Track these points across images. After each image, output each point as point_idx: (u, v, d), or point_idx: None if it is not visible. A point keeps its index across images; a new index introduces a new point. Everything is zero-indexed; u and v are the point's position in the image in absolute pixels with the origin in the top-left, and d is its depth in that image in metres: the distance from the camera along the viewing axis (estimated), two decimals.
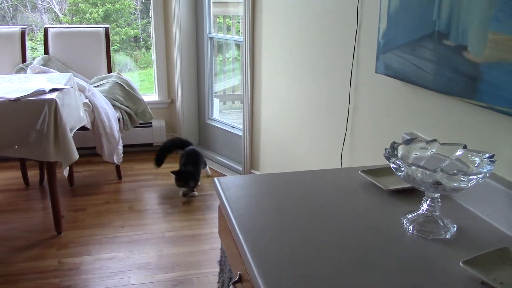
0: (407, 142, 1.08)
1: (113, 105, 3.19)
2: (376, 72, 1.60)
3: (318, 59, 2.24)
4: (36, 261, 2.33)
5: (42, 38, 3.49)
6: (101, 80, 3.38)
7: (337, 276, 0.87)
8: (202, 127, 3.88)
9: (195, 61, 3.76)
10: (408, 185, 1.08)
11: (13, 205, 2.94)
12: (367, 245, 0.98)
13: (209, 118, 3.82)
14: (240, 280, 1.08)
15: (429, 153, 1.07)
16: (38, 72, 3.03)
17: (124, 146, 3.28)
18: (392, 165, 1.01)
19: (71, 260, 2.34)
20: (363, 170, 1.33)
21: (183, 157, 3.17)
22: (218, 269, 1.43)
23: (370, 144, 1.85)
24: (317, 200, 1.20)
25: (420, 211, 1.05)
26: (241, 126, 3.27)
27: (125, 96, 3.33)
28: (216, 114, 3.86)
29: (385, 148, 1.04)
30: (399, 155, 1.04)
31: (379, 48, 1.57)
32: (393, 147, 1.05)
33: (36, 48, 4.63)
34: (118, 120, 3.18)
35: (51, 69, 3.13)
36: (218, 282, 1.48)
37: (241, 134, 3.25)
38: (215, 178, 1.31)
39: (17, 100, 2.29)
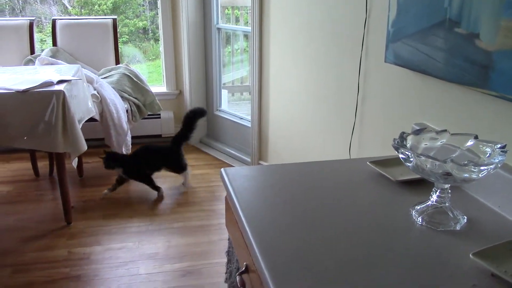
0: (417, 132, 1.07)
1: (122, 97, 3.20)
2: (385, 61, 1.57)
3: (326, 49, 2.21)
4: (46, 251, 2.35)
5: (51, 30, 3.49)
6: (109, 71, 3.39)
7: (344, 269, 0.86)
8: (210, 118, 3.87)
9: (203, 52, 3.74)
10: (417, 176, 1.07)
11: (23, 195, 2.97)
12: (375, 237, 0.97)
13: (217, 110, 3.81)
14: (247, 270, 1.07)
15: (439, 143, 1.05)
16: (47, 64, 3.04)
17: (132, 137, 3.29)
18: (401, 156, 0.99)
19: (81, 250, 2.36)
20: (371, 161, 1.31)
21: (145, 150, 2.99)
22: (226, 260, 1.43)
23: (379, 134, 1.83)
24: (325, 192, 1.19)
25: (430, 202, 1.03)
26: (249, 117, 3.26)
27: (133, 87, 3.33)
28: (224, 105, 3.85)
29: (394, 139, 1.02)
30: (408, 145, 1.03)
31: (389, 37, 1.54)
32: (402, 137, 1.03)
33: (45, 40, 4.64)
34: (127, 111, 3.19)
35: (59, 61, 3.14)
36: (226, 273, 1.48)
37: (250, 125, 3.24)
38: (222, 169, 1.30)
39: (25, 91, 2.30)
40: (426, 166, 0.93)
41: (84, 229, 2.55)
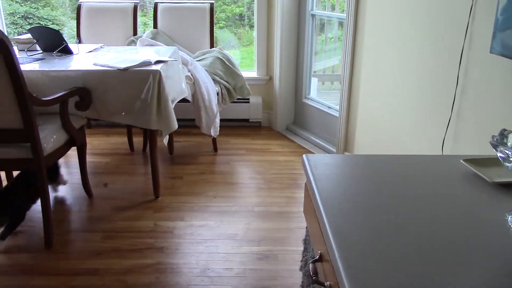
0: None
1: (213, 79, 3.28)
2: (490, 52, 1.44)
3: (425, 38, 2.08)
4: (135, 221, 2.51)
5: (153, 13, 3.67)
6: (204, 54, 3.49)
7: (422, 269, 0.80)
8: (298, 105, 3.85)
9: (296, 39, 3.71)
10: None
11: (119, 168, 3.19)
12: (462, 241, 0.89)
13: (305, 97, 3.78)
14: (321, 259, 1.05)
15: None
16: (147, 45, 3.21)
17: (221, 120, 3.38)
18: (499, 155, 0.90)
19: (166, 223, 2.48)
20: (466, 159, 1.21)
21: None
22: (302, 248, 1.42)
23: (477, 131, 1.68)
24: (411, 187, 1.12)
25: None
26: (337, 107, 3.18)
27: (225, 71, 3.40)
28: (313, 94, 3.80)
29: (493, 136, 0.93)
30: (509, 144, 0.93)
31: (497, 25, 1.40)
32: (503, 134, 0.94)
33: (148, 24, 4.90)
34: (217, 94, 3.27)
35: (158, 42, 3.29)
36: (301, 261, 1.47)
37: (337, 115, 3.16)
38: (304, 155, 1.28)
39: (125, 69, 2.45)
40: None
41: (170, 204, 2.68)
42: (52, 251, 2.25)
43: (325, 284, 0.97)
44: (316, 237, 1.12)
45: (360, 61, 2.81)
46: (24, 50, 2.86)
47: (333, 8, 4.06)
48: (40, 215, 2.27)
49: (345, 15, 2.87)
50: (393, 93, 2.44)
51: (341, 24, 3.63)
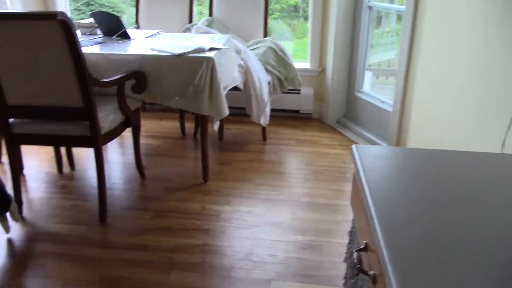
0: None
1: (265, 69, 3.29)
2: None
3: (491, 29, 1.98)
4: (184, 202, 2.58)
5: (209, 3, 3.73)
6: (257, 43, 3.51)
7: (469, 273, 0.77)
8: (350, 99, 3.79)
9: (351, 31, 3.65)
10: None
11: (170, 151, 3.28)
12: None
13: (358, 91, 3.71)
14: (366, 249, 1.04)
15: None
16: (202, 32, 3.26)
17: (271, 110, 3.39)
18: None
19: (213, 207, 2.54)
20: None
21: None
22: (347, 241, 1.41)
23: None
24: (465, 185, 1.08)
25: None
26: (391, 102, 3.11)
27: (277, 61, 3.40)
28: (366, 87, 3.73)
29: None
30: None
31: None
32: None
33: (203, 13, 4.97)
34: (269, 83, 3.28)
35: (213, 30, 3.34)
36: (346, 253, 1.46)
37: (391, 110, 3.09)
38: (353, 145, 1.26)
39: (180, 55, 2.50)
40: None
41: (218, 189, 2.73)
42: (105, 226, 2.36)
43: (369, 273, 0.97)
44: (363, 228, 1.11)
45: (417, 56, 2.72)
46: (86, 34, 3.00)
47: (391, 1, 3.95)
48: (96, 191, 2.38)
49: (404, 7, 2.79)
50: (451, 90, 2.34)
51: (399, 17, 3.53)
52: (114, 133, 2.45)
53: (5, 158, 3.09)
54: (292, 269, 2.04)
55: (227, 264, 2.07)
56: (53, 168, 2.99)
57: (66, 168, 2.99)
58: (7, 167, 3.01)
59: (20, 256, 2.13)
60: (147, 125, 3.70)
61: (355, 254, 1.06)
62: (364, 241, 1.06)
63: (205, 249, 2.17)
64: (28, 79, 2.19)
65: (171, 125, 3.74)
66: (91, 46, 2.69)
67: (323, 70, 3.89)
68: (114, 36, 2.92)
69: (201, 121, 2.74)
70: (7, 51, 2.13)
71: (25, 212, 2.49)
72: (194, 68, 2.50)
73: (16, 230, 2.32)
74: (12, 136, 2.34)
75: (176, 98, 2.58)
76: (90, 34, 2.98)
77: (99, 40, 2.88)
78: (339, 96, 3.82)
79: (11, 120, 2.33)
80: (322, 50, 3.85)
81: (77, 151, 3.18)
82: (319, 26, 3.79)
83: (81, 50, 2.11)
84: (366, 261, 1.03)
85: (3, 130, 2.33)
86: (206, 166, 2.80)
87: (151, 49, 2.61)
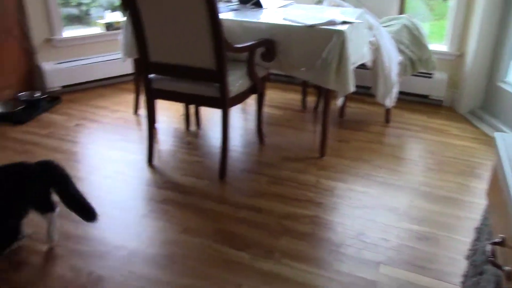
0: None
1: (398, 48, 3.12)
2: None
3: None
4: (299, 173, 2.60)
5: None
6: (391, 20, 3.33)
7: None
8: (490, 88, 3.44)
9: (500, 14, 3.28)
10: None
11: (290, 122, 3.31)
12: None
13: (501, 81, 3.35)
14: (502, 243, 0.95)
15: None
16: (334, 6, 3.19)
17: (398, 92, 3.22)
18: None
19: (327, 182, 2.52)
20: None
21: None
22: (469, 239, 1.31)
23: None
24: None
25: None
26: None
27: (412, 40, 3.20)
28: (511, 78, 3.36)
29: None
30: None
31: None
32: None
33: None
34: (399, 64, 3.11)
35: (345, 3, 3.25)
36: (470, 250, 1.36)
37: None
38: (497, 133, 1.14)
39: (311, 26, 2.48)
40: None
41: (334, 165, 2.70)
42: (224, 184, 2.49)
43: (503, 268, 0.89)
44: (500, 222, 1.01)
45: None
46: (223, 0, 3.11)
47: None
48: (218, 151, 2.51)
49: None
50: None
51: None
52: (241, 97, 2.54)
53: (141, 111, 3.39)
54: (404, 256, 1.96)
55: (336, 239, 2.05)
56: (181, 125, 3.21)
57: (192, 127, 3.19)
58: (142, 119, 3.31)
59: (147, 200, 2.34)
60: (270, 95, 3.77)
61: (489, 247, 0.98)
62: (501, 235, 0.96)
63: (316, 221, 2.17)
64: (169, 39, 2.35)
65: (293, 97, 3.76)
66: (227, 13, 2.79)
67: (461, 55, 3.58)
68: (248, 4, 2.99)
69: (325, 95, 2.70)
70: (155, 13, 2.30)
71: (155, 160, 2.72)
72: (324, 41, 2.46)
73: (146, 175, 2.55)
74: (151, 90, 2.54)
75: (303, 69, 2.57)
76: (226, 1, 3.09)
77: (234, 7, 2.97)
78: (477, 84, 3.49)
79: (151, 76, 2.52)
80: (464, 33, 3.53)
81: (204, 112, 3.37)
82: (463, 6, 3.47)
83: (219, 16, 2.19)
84: (501, 256, 0.95)
85: (144, 85, 2.54)
86: (324, 141, 2.78)
87: (284, 18, 2.63)
